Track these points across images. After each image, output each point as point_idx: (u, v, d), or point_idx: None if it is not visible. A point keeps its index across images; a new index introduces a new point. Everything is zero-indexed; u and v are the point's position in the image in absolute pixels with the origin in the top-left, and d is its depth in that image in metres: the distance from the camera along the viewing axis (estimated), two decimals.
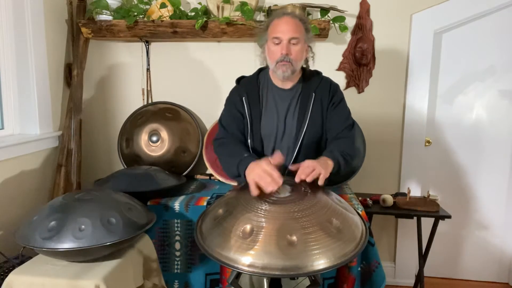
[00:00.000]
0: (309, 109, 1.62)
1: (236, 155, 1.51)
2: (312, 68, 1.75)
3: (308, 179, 1.35)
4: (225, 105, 1.74)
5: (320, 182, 1.37)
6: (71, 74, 2.41)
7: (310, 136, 1.61)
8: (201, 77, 2.54)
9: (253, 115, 1.65)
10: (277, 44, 1.54)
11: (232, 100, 1.70)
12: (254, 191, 1.31)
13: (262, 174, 1.31)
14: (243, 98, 1.66)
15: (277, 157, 1.40)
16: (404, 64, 2.43)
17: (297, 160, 1.60)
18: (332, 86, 1.68)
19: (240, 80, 1.77)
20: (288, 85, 1.65)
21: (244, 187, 1.43)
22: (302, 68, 1.68)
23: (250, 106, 1.65)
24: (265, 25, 1.63)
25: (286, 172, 1.59)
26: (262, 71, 1.74)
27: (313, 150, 1.64)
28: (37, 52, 2.15)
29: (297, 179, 1.36)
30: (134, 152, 2.38)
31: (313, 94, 1.63)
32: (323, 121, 1.64)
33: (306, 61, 1.69)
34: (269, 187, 1.29)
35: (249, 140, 1.65)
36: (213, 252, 1.20)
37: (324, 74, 1.74)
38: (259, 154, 1.64)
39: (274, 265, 1.11)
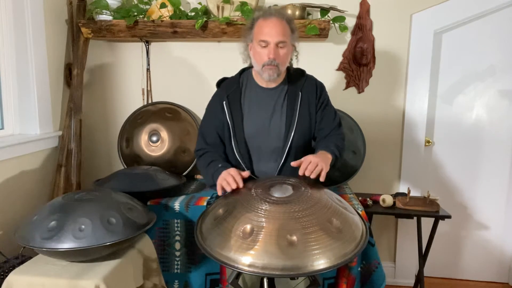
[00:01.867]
0: (297, 108, 1.61)
1: (212, 166, 1.59)
2: (308, 67, 1.75)
3: (312, 176, 1.38)
4: (205, 113, 1.73)
5: (322, 179, 1.39)
6: (71, 74, 2.40)
7: (300, 136, 1.61)
8: (201, 77, 2.54)
9: (235, 117, 1.63)
10: (264, 47, 1.52)
11: (212, 108, 1.70)
12: (219, 192, 1.49)
13: (226, 176, 1.47)
14: (224, 102, 1.64)
15: (245, 173, 1.51)
16: (404, 64, 2.43)
17: (286, 162, 1.60)
18: (318, 85, 1.69)
19: (220, 83, 1.74)
20: (272, 85, 1.64)
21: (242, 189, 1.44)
22: (287, 67, 1.67)
23: (231, 109, 1.63)
24: (250, 23, 1.60)
25: (278, 172, 1.62)
26: (245, 72, 1.73)
27: (302, 151, 1.63)
28: (37, 52, 2.15)
29: (300, 173, 1.39)
30: (134, 152, 2.38)
31: (300, 93, 1.63)
32: (311, 120, 1.64)
33: (290, 59, 1.67)
34: (228, 187, 1.44)
35: (232, 143, 1.63)
36: (213, 252, 1.20)
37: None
38: (245, 156, 1.64)
39: (274, 265, 1.11)
